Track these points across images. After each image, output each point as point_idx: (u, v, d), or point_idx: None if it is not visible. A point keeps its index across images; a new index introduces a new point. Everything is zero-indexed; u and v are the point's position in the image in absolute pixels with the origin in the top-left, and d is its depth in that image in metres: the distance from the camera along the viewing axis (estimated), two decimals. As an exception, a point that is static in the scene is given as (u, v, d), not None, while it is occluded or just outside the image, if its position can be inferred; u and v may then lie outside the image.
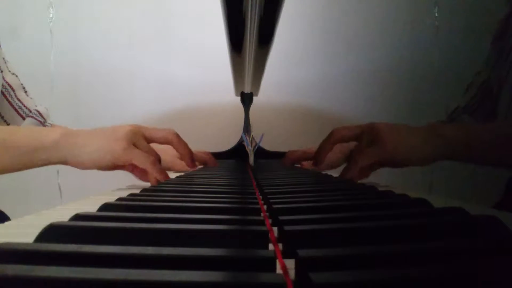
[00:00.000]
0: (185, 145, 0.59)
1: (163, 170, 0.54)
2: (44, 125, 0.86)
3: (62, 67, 1.36)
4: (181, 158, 0.61)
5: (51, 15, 1.35)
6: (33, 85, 1.30)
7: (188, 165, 0.61)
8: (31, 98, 0.87)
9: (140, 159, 0.52)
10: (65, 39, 1.36)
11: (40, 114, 0.86)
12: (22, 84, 0.86)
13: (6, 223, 0.30)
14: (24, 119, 0.83)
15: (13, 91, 0.83)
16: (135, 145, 0.53)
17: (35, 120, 0.84)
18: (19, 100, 0.83)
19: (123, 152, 0.51)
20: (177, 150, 0.59)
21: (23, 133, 0.54)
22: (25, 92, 0.86)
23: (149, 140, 0.55)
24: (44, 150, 0.52)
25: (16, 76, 0.85)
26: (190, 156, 0.59)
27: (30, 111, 0.85)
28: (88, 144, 0.51)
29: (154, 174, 0.53)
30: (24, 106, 0.84)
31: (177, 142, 0.58)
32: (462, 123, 0.81)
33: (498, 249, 0.19)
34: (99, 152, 0.51)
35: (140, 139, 0.54)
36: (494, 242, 0.20)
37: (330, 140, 0.59)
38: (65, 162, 0.53)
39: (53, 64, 1.36)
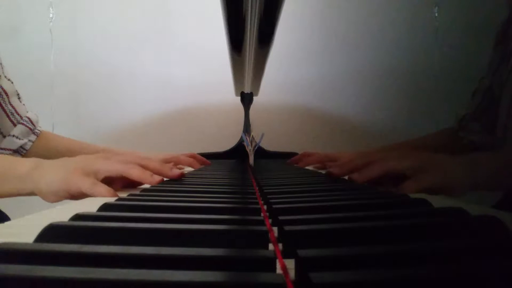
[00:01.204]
0: (141, 170, 0.52)
1: (105, 189, 0.49)
2: (33, 132, 0.87)
3: (62, 67, 1.36)
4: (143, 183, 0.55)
5: (51, 15, 1.35)
6: (33, 85, 1.31)
7: (151, 183, 0.54)
8: (23, 104, 0.87)
9: (86, 186, 0.48)
10: (65, 39, 1.37)
11: (31, 121, 0.87)
12: (16, 90, 0.86)
13: (6, 223, 0.30)
14: (14, 125, 0.84)
15: (8, 97, 0.83)
16: (94, 169, 0.51)
17: (26, 128, 0.85)
18: (12, 106, 0.84)
19: (74, 181, 0.49)
20: (135, 179, 0.53)
21: None
22: (19, 98, 0.86)
23: (101, 175, 0.51)
24: (16, 180, 0.51)
25: (12, 82, 0.85)
26: (150, 176, 0.53)
27: (22, 118, 0.85)
28: (48, 175, 0.51)
29: (96, 194, 0.49)
30: (16, 112, 0.84)
31: (128, 170, 0.52)
32: (499, 153, 0.79)
33: (498, 249, 0.19)
34: (55, 183, 0.50)
35: (99, 160, 0.52)
36: (494, 242, 0.20)
37: (381, 169, 0.52)
38: (35, 194, 0.52)
39: (53, 64, 1.36)
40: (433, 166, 0.51)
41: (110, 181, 0.52)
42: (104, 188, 0.48)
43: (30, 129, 0.86)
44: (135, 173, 0.52)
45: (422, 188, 0.49)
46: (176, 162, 0.82)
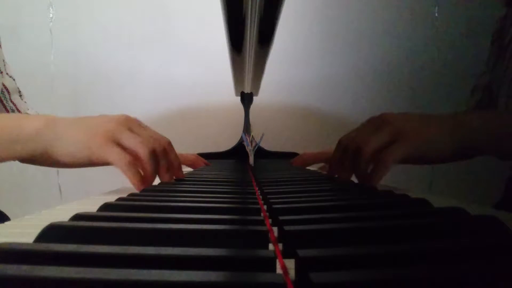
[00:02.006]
0: (152, 166, 0.50)
1: (138, 173, 0.48)
2: None
3: (62, 67, 1.36)
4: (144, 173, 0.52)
5: (51, 15, 1.35)
6: (33, 85, 1.31)
7: (160, 179, 0.54)
8: (25, 102, 0.87)
9: (115, 158, 0.46)
10: (65, 39, 1.37)
11: None
12: (18, 88, 0.86)
13: (6, 223, 0.30)
14: None
15: (9, 94, 0.83)
16: (118, 140, 0.49)
17: None
18: (13, 103, 0.84)
19: (99, 149, 0.47)
20: (142, 166, 0.50)
21: (5, 121, 0.49)
22: (20, 95, 0.87)
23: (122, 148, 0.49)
24: (25, 140, 0.47)
25: (14, 79, 0.85)
26: (148, 180, 0.51)
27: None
28: (65, 137, 0.47)
29: (128, 176, 0.47)
30: (17, 109, 0.84)
31: (146, 160, 0.49)
32: (487, 112, 0.69)
33: (498, 249, 0.19)
34: (75, 145, 0.47)
35: (124, 133, 0.49)
36: (494, 242, 0.20)
37: (364, 159, 0.48)
38: (46, 155, 0.49)
39: (53, 64, 1.36)
40: (412, 133, 0.47)
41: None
42: (134, 172, 0.46)
43: None
44: (147, 164, 0.49)
45: (399, 160, 0.45)
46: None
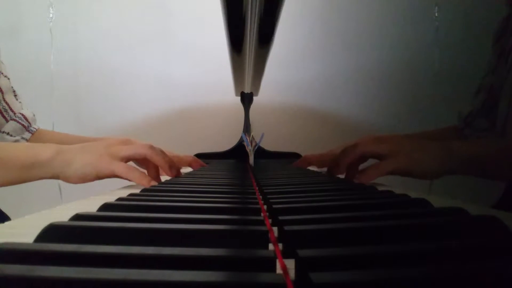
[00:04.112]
0: (162, 156, 0.60)
1: (142, 174, 0.57)
2: (28, 129, 0.86)
3: (62, 67, 1.36)
4: (161, 169, 0.62)
5: (51, 15, 1.35)
6: (33, 85, 1.31)
7: (168, 174, 0.62)
8: (20, 102, 0.87)
9: (118, 168, 0.55)
10: (65, 39, 1.37)
11: (25, 118, 0.86)
12: (12, 87, 0.86)
13: (6, 223, 0.30)
14: (7, 121, 0.83)
15: (2, 93, 0.83)
16: (119, 154, 0.58)
17: (18, 124, 0.84)
18: (6, 103, 0.84)
19: (104, 166, 0.55)
20: (156, 163, 0.60)
21: (20, 150, 0.57)
22: (15, 96, 0.86)
23: (125, 159, 0.58)
24: (39, 166, 0.55)
25: (8, 79, 0.85)
26: (169, 166, 0.60)
27: (15, 114, 0.84)
28: (75, 161, 0.55)
29: (132, 179, 0.56)
30: (10, 109, 0.84)
31: (152, 155, 0.59)
32: (474, 140, 0.82)
33: (498, 249, 0.19)
34: (84, 168, 0.55)
35: (123, 148, 0.58)
36: (494, 242, 0.20)
37: (355, 153, 0.58)
38: (57, 177, 0.57)
39: (53, 64, 1.36)
40: (405, 150, 0.56)
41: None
42: (138, 173, 0.55)
43: (24, 126, 0.85)
44: (159, 159, 0.58)
45: (391, 170, 0.54)
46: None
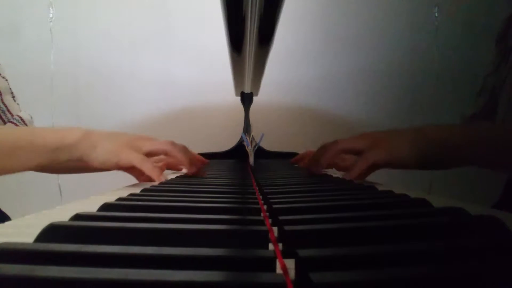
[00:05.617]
0: (184, 152, 0.62)
1: (155, 168, 0.59)
2: None
3: (62, 67, 1.36)
4: (182, 166, 0.66)
5: (51, 15, 1.35)
6: (33, 85, 1.31)
7: (189, 170, 0.64)
8: (18, 104, 0.87)
9: (135, 159, 0.58)
10: (65, 39, 1.37)
11: (22, 120, 0.85)
12: (10, 89, 0.85)
13: (6, 223, 0.30)
14: (5, 123, 0.83)
15: (0, 95, 0.83)
16: (141, 148, 0.60)
17: (16, 126, 0.84)
18: (4, 104, 0.83)
19: (125, 156, 0.57)
20: (176, 159, 0.63)
21: (47, 132, 0.58)
22: (13, 97, 0.86)
23: (147, 154, 0.60)
24: (67, 148, 0.57)
25: (6, 80, 0.85)
26: (189, 163, 0.63)
27: (13, 116, 0.84)
28: (100, 146, 0.57)
29: (145, 169, 0.58)
30: (8, 110, 0.84)
31: (173, 151, 0.62)
32: (450, 124, 0.83)
33: (498, 249, 0.19)
34: (107, 155, 0.57)
35: (146, 142, 0.62)
36: (494, 242, 0.20)
37: (335, 149, 0.61)
38: (81, 161, 0.58)
39: (53, 64, 1.36)
40: (382, 142, 0.57)
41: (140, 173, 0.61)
42: (151, 165, 0.58)
43: None
44: (180, 155, 0.61)
45: (372, 162, 0.56)
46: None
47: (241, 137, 1.12)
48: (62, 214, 0.29)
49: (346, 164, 0.71)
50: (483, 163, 0.61)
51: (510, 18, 0.79)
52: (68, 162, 0.58)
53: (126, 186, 0.59)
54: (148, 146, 0.60)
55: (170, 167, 0.78)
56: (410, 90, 1.40)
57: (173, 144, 0.62)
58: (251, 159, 0.87)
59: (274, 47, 0.66)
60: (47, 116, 1.31)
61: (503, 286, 0.15)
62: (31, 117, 0.89)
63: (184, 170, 0.69)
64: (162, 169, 0.71)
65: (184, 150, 0.63)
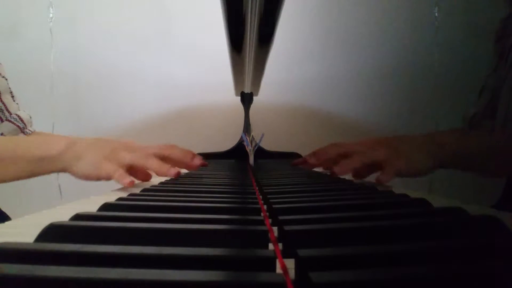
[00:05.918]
0: (180, 152, 0.64)
1: (128, 180, 0.57)
2: (23, 131, 0.85)
3: (62, 67, 1.36)
4: (182, 166, 0.66)
5: (51, 15, 1.35)
6: (33, 85, 1.31)
7: (193, 165, 0.65)
8: (17, 103, 0.86)
9: (115, 174, 0.56)
10: (65, 39, 1.37)
11: (21, 119, 0.85)
12: (10, 88, 0.85)
13: (6, 223, 0.30)
14: (2, 121, 0.83)
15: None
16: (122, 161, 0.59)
17: (13, 125, 0.84)
18: (2, 102, 0.83)
19: (105, 169, 0.56)
20: (173, 162, 0.63)
21: (31, 143, 0.58)
22: (12, 96, 0.86)
23: (126, 167, 0.58)
24: (50, 159, 0.56)
25: (6, 79, 0.85)
26: (190, 157, 0.64)
27: (10, 114, 0.84)
28: (82, 158, 0.57)
29: (118, 179, 0.57)
30: (6, 109, 0.83)
31: (172, 154, 0.63)
32: (461, 132, 0.84)
33: (498, 249, 0.19)
34: (90, 166, 0.57)
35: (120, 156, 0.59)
36: (494, 242, 0.20)
37: (358, 163, 0.60)
38: (64, 171, 0.59)
39: (53, 64, 1.36)
40: (401, 153, 0.58)
41: (134, 172, 0.61)
42: (128, 180, 0.56)
43: (19, 127, 0.84)
44: (153, 165, 0.59)
45: (394, 174, 0.56)
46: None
47: (241, 137, 1.13)
48: (62, 214, 0.29)
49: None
50: (500, 172, 0.64)
51: (508, 18, 0.79)
52: (52, 172, 0.59)
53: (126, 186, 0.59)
54: (128, 159, 0.58)
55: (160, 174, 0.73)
56: (410, 90, 1.40)
57: (147, 156, 0.59)
58: (251, 159, 0.87)
59: (274, 47, 0.66)
60: (47, 116, 1.31)
61: (503, 286, 0.15)
62: (30, 117, 0.88)
63: (184, 170, 0.69)
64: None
65: (165, 156, 0.62)
